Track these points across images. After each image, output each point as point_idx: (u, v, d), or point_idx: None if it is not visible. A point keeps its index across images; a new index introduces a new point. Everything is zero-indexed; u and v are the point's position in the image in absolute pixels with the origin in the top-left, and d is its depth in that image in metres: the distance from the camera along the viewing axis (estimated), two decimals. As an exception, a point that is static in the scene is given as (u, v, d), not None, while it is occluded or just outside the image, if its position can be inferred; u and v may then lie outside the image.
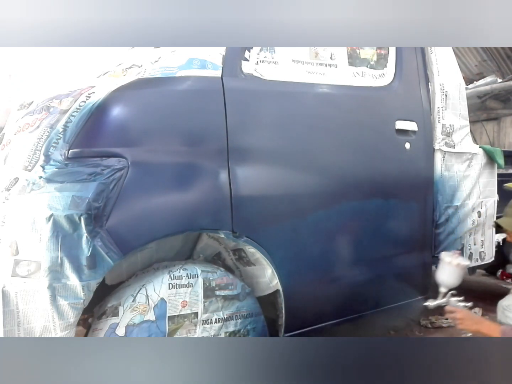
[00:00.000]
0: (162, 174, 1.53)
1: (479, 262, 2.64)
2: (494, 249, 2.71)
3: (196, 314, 1.58)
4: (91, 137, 1.48)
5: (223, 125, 1.64)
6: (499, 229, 1.98)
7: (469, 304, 1.87)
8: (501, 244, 3.09)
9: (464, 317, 1.75)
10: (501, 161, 2.73)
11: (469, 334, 1.77)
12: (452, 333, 2.63)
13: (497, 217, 2.47)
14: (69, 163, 1.44)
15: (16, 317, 1.31)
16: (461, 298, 1.87)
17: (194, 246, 1.89)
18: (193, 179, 1.59)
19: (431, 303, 1.92)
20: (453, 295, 1.88)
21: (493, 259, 2.70)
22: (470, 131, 2.61)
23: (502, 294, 1.91)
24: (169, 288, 1.54)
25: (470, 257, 2.57)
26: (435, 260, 2.44)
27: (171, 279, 1.55)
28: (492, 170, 2.72)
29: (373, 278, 2.12)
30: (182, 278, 1.57)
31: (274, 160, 1.77)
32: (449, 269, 1.85)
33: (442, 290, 1.89)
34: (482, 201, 2.61)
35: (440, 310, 2.80)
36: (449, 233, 2.44)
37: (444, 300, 1.89)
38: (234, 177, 1.65)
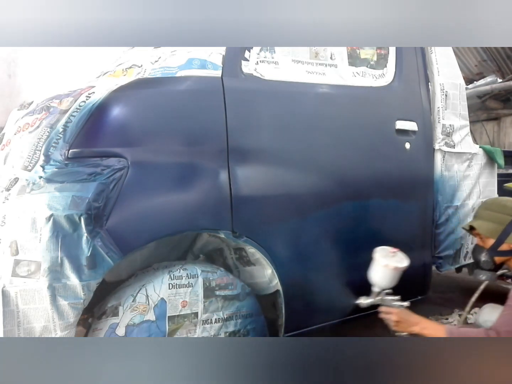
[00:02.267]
0: (162, 174, 1.53)
1: (472, 260, 2.64)
2: None
3: (196, 314, 1.58)
4: (91, 137, 1.48)
5: (223, 125, 1.64)
6: (470, 231, 1.86)
7: (405, 303, 1.72)
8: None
9: (399, 319, 1.63)
10: (501, 161, 2.73)
11: (404, 334, 1.66)
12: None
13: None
14: (69, 163, 1.44)
15: (16, 317, 1.31)
16: (397, 297, 1.73)
17: (193, 244, 1.89)
18: (193, 179, 1.59)
19: (363, 301, 1.77)
20: (387, 294, 1.75)
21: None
22: (470, 131, 2.62)
23: (502, 294, 1.91)
24: (169, 288, 1.54)
25: (465, 256, 2.57)
26: (435, 260, 2.45)
27: (171, 279, 1.55)
28: (492, 170, 2.72)
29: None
30: (182, 278, 1.57)
31: (274, 160, 1.77)
32: (384, 272, 1.69)
33: (375, 289, 1.75)
34: (482, 201, 2.61)
35: (440, 310, 2.80)
36: (449, 233, 2.44)
37: (378, 298, 1.75)
38: (234, 177, 1.65)
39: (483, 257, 1.74)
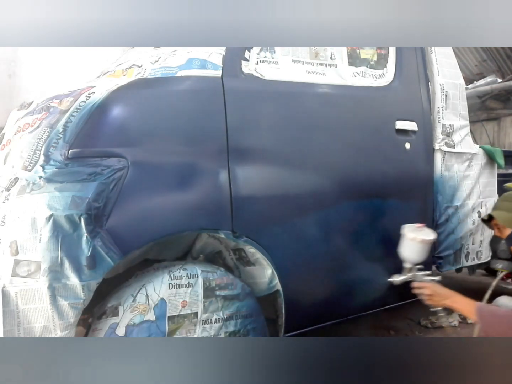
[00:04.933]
0: (162, 174, 1.53)
1: (476, 262, 2.64)
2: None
3: (196, 314, 1.57)
4: (91, 137, 1.48)
5: (223, 125, 1.64)
6: (487, 223, 1.91)
7: (437, 277, 1.80)
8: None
9: (432, 292, 1.69)
10: (501, 161, 2.73)
11: (439, 309, 1.73)
12: (452, 333, 2.63)
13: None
14: (69, 163, 1.44)
15: (16, 317, 1.31)
16: (428, 272, 1.81)
17: (192, 244, 1.89)
18: (193, 179, 1.59)
19: (396, 278, 1.84)
20: (419, 270, 1.81)
21: (489, 258, 2.69)
22: (470, 131, 2.61)
23: (502, 294, 1.91)
24: (169, 288, 1.54)
25: (466, 256, 2.57)
26: (435, 260, 2.44)
27: (171, 279, 1.55)
28: (492, 170, 2.72)
29: (373, 278, 2.12)
30: (182, 278, 1.57)
31: (274, 160, 1.77)
32: (413, 245, 1.76)
33: (407, 265, 1.82)
34: (482, 201, 2.61)
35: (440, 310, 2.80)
36: (449, 233, 2.44)
37: (410, 275, 1.81)
38: (234, 177, 1.65)
39: (501, 247, 1.83)
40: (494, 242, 1.87)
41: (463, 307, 1.60)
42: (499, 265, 1.86)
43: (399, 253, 1.80)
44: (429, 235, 1.80)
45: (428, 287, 1.71)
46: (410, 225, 1.84)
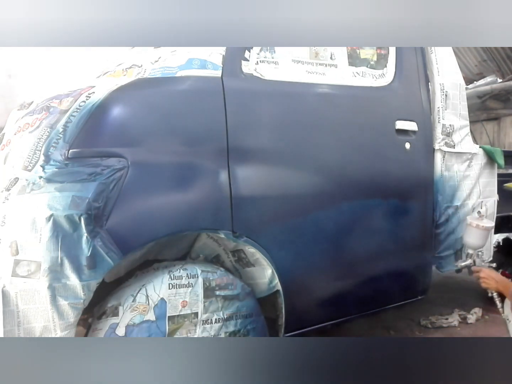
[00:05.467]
0: (162, 174, 1.53)
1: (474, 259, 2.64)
2: (492, 250, 2.71)
3: (196, 314, 1.57)
4: (91, 137, 1.48)
5: (223, 125, 1.64)
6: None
7: (493, 264, 2.02)
8: (500, 244, 3.07)
9: (486, 276, 1.85)
10: (501, 161, 2.72)
11: (495, 294, 1.89)
12: (452, 333, 2.63)
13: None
14: (69, 163, 1.44)
15: (16, 317, 1.31)
16: (488, 259, 2.07)
17: (192, 244, 1.89)
18: (193, 179, 1.59)
19: (460, 263, 2.12)
20: (478, 256, 2.07)
21: (491, 259, 2.69)
22: (470, 131, 2.61)
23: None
24: (169, 288, 1.54)
25: (467, 256, 2.57)
26: (435, 260, 2.44)
27: (171, 279, 1.55)
28: (492, 170, 2.72)
29: (373, 278, 2.12)
30: (182, 278, 1.57)
31: (274, 160, 1.77)
32: (475, 232, 2.01)
33: (470, 251, 2.08)
34: (482, 201, 2.61)
35: (440, 310, 2.80)
36: (449, 233, 2.44)
37: (470, 260, 2.06)
38: (234, 177, 1.65)
39: None
40: None
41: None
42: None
43: (463, 241, 2.12)
44: (490, 222, 2.09)
45: (484, 271, 1.88)
46: (471, 215, 2.19)
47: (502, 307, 1.94)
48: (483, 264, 2.04)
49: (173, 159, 1.56)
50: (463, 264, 2.12)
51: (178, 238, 1.77)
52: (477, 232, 2.03)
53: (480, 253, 2.11)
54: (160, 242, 1.66)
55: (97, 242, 1.37)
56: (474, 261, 2.08)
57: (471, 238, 2.07)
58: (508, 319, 1.87)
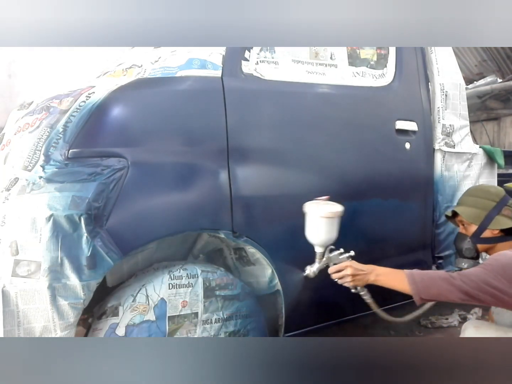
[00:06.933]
0: (162, 174, 1.53)
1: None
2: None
3: (196, 314, 1.57)
4: (91, 137, 1.48)
5: (223, 125, 1.64)
6: (452, 219, 1.83)
7: (351, 252, 1.60)
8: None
9: (354, 271, 1.51)
10: (501, 161, 2.73)
11: (360, 288, 1.58)
12: (452, 333, 2.63)
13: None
14: (69, 163, 1.44)
15: (16, 317, 1.31)
16: (340, 250, 1.60)
17: (193, 245, 1.89)
18: (193, 179, 1.59)
19: (310, 269, 1.66)
20: (331, 251, 1.62)
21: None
22: (470, 131, 2.61)
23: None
24: (169, 288, 1.54)
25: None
26: (435, 260, 2.44)
27: (171, 279, 1.55)
28: (492, 170, 2.72)
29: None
30: (182, 278, 1.57)
31: (274, 160, 1.77)
32: (321, 223, 1.54)
33: (318, 250, 1.61)
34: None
35: (440, 310, 2.80)
36: (449, 233, 2.44)
37: (323, 260, 1.62)
38: (234, 177, 1.65)
39: (466, 245, 1.70)
40: (459, 239, 1.74)
41: (391, 278, 1.47)
42: (464, 264, 1.79)
43: (306, 237, 1.61)
44: (335, 206, 1.58)
45: (348, 266, 1.52)
46: (310, 201, 1.62)
47: (371, 298, 1.64)
48: (340, 258, 1.59)
49: (173, 159, 1.56)
50: (314, 268, 1.64)
51: (178, 238, 1.77)
52: (319, 222, 1.54)
53: (332, 247, 1.60)
54: (160, 242, 1.66)
55: (97, 242, 1.37)
56: (328, 259, 1.61)
57: (316, 231, 1.55)
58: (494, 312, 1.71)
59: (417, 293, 1.43)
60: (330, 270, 1.59)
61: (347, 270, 1.53)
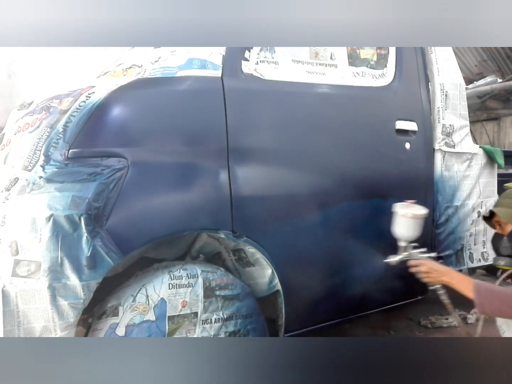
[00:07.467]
0: (162, 174, 1.53)
1: (482, 263, 2.63)
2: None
3: (196, 314, 1.57)
4: (91, 137, 1.48)
5: (223, 125, 1.64)
6: (489, 220, 1.90)
7: (433, 254, 1.81)
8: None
9: (429, 269, 1.68)
10: (501, 161, 2.73)
11: (438, 286, 1.73)
12: (452, 333, 2.63)
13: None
14: (69, 163, 1.44)
15: (16, 317, 1.31)
16: (424, 249, 1.79)
17: (192, 244, 1.89)
18: (193, 179, 1.59)
19: (392, 259, 1.84)
20: (414, 248, 1.81)
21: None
22: (470, 131, 2.61)
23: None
24: (169, 288, 1.54)
25: (470, 257, 2.56)
26: (435, 260, 2.44)
27: (171, 279, 1.55)
28: (492, 170, 2.72)
29: (373, 278, 2.12)
30: (182, 278, 1.57)
31: (274, 160, 1.77)
32: (404, 221, 1.78)
33: (402, 244, 1.82)
34: (482, 201, 2.61)
35: (440, 310, 2.80)
36: (449, 233, 2.44)
37: (405, 254, 1.81)
38: (234, 177, 1.65)
39: (503, 244, 1.79)
40: (496, 239, 1.86)
41: (460, 283, 1.58)
42: (501, 262, 1.84)
43: (392, 232, 1.81)
44: (421, 210, 1.81)
45: (425, 264, 1.69)
46: (401, 203, 1.85)
47: (448, 299, 1.79)
48: (420, 256, 1.78)
49: (173, 159, 1.56)
50: (396, 258, 1.83)
51: (178, 238, 1.77)
52: (406, 221, 1.78)
53: (416, 244, 1.82)
54: (160, 242, 1.66)
55: (97, 242, 1.37)
56: (410, 254, 1.81)
57: (400, 228, 1.80)
58: (501, 329, 1.75)
59: (479, 304, 1.51)
60: (409, 263, 1.76)
61: (422, 267, 1.69)
